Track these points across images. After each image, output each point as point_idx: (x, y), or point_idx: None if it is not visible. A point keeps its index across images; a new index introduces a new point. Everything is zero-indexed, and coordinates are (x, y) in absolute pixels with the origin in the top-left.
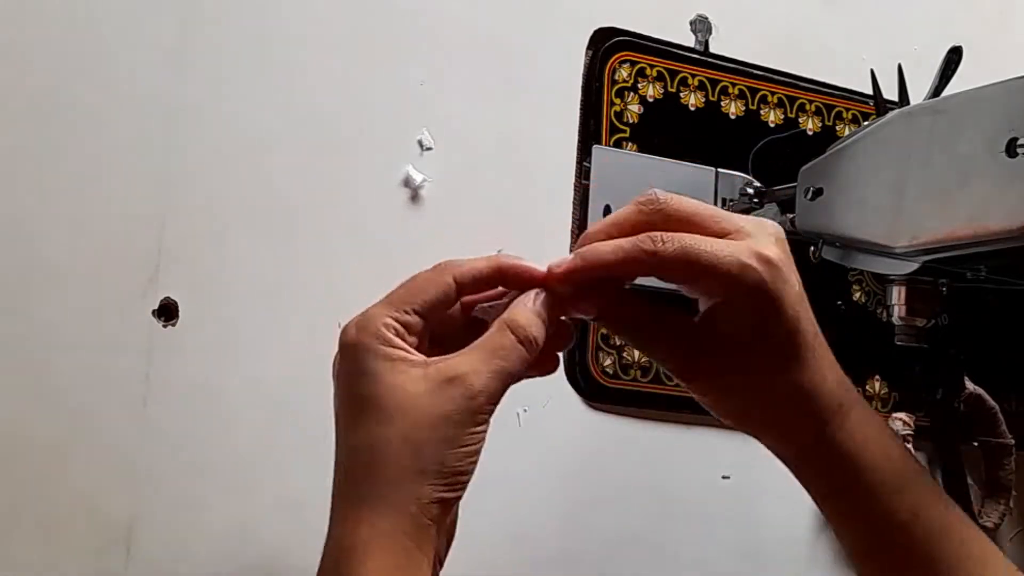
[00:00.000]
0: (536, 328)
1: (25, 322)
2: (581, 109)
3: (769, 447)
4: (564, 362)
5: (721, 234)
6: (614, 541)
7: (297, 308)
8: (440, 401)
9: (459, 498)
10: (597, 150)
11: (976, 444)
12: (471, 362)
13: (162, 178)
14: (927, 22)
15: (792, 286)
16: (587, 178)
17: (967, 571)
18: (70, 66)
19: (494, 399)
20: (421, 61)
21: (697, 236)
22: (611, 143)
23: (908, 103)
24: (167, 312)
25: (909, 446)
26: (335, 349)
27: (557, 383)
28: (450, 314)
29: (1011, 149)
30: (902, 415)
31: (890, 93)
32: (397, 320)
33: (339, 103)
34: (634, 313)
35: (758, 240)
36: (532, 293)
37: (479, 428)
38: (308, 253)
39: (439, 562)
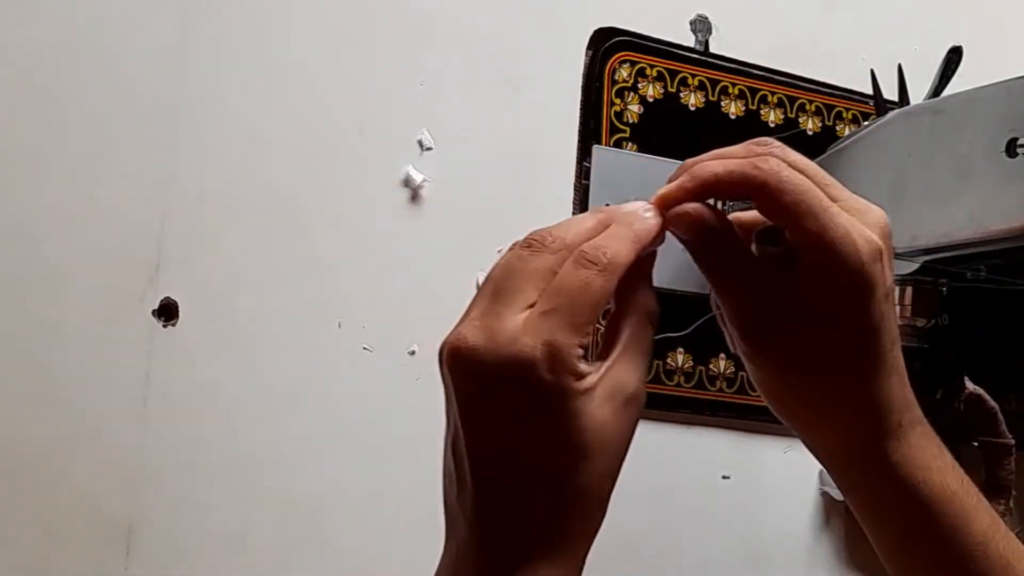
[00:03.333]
0: (656, 304)
1: (25, 322)
2: (581, 109)
3: (813, 451)
4: None
5: (830, 198)
6: (614, 541)
7: (297, 308)
8: (624, 422)
9: None
10: (597, 150)
11: (976, 444)
12: (633, 371)
13: (162, 178)
14: (927, 22)
15: (887, 281)
16: (587, 178)
17: None
18: (70, 66)
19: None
20: (421, 61)
21: (813, 184)
22: (611, 143)
23: (908, 103)
24: (167, 312)
25: None
26: (334, 348)
27: None
28: None
29: (1011, 149)
30: None
31: (890, 93)
32: (582, 345)
33: (339, 103)
34: (730, 243)
35: (867, 221)
36: (646, 264)
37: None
38: (308, 253)
39: None
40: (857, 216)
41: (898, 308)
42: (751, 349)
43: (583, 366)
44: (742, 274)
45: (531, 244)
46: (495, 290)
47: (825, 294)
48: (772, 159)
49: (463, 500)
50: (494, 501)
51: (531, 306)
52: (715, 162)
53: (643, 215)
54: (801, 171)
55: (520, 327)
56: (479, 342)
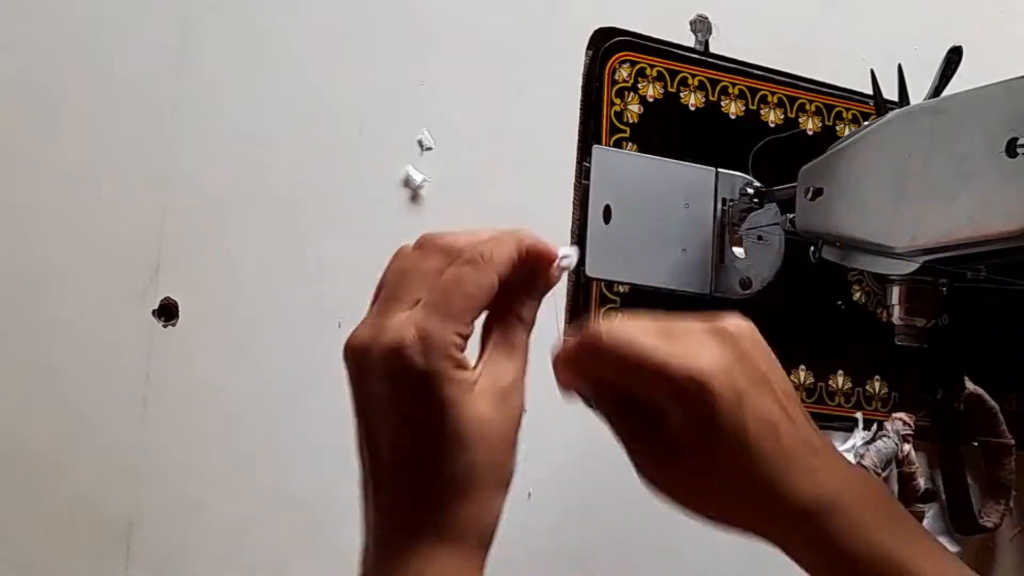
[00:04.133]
0: (535, 311)
1: (25, 322)
2: (581, 109)
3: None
4: None
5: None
6: (614, 541)
7: (297, 308)
8: (506, 418)
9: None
10: (597, 150)
11: (976, 444)
12: (507, 366)
13: (162, 178)
14: (927, 22)
15: (736, 391)
16: (587, 178)
17: None
18: (70, 66)
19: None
20: (421, 61)
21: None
22: (611, 143)
23: (908, 103)
24: (167, 312)
25: (909, 446)
26: (334, 348)
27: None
28: None
29: (1011, 149)
30: (902, 415)
31: (890, 93)
32: (460, 334)
33: (339, 103)
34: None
35: (705, 345)
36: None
37: (520, 424)
38: (308, 253)
39: None
40: (700, 339)
41: (898, 308)
42: (655, 481)
43: (461, 357)
44: (630, 419)
45: (422, 246)
46: (387, 291)
47: (697, 424)
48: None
49: (363, 489)
50: (383, 488)
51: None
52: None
53: (532, 234)
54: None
55: (402, 321)
56: (366, 338)
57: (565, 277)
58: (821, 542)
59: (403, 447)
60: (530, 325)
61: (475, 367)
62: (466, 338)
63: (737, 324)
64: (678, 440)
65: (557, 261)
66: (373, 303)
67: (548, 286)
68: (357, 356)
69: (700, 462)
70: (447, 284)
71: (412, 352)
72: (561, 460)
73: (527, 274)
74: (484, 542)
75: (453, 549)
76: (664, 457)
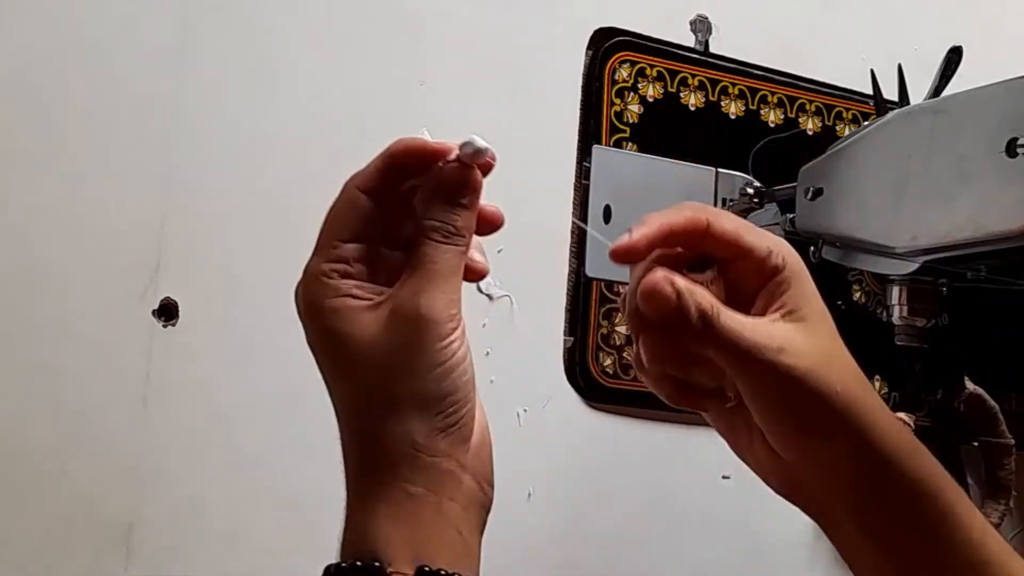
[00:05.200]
0: (461, 219)
1: (25, 322)
2: (581, 109)
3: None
4: (564, 362)
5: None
6: (614, 541)
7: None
8: (394, 335)
9: (459, 424)
10: (597, 150)
11: (976, 444)
12: (411, 287)
13: (162, 178)
14: (927, 22)
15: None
16: (587, 178)
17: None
18: (70, 66)
19: (447, 309)
20: (421, 61)
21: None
22: (611, 143)
23: (908, 103)
24: (167, 312)
25: None
26: None
27: (557, 383)
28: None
29: (1011, 149)
30: (902, 415)
31: (890, 93)
32: (331, 260)
33: (339, 103)
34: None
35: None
36: (440, 174)
37: (444, 343)
38: (308, 253)
39: (478, 510)
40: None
41: (898, 308)
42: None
43: (339, 284)
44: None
45: None
46: None
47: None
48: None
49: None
50: (340, 420)
51: None
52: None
53: (411, 139)
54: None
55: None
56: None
57: (565, 277)
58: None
59: (326, 380)
60: (449, 234)
61: (384, 294)
62: (344, 260)
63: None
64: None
65: (455, 152)
66: None
67: (450, 184)
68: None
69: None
70: (323, 220)
71: (296, 294)
72: (561, 460)
73: (431, 185)
74: (411, 465)
75: (372, 472)
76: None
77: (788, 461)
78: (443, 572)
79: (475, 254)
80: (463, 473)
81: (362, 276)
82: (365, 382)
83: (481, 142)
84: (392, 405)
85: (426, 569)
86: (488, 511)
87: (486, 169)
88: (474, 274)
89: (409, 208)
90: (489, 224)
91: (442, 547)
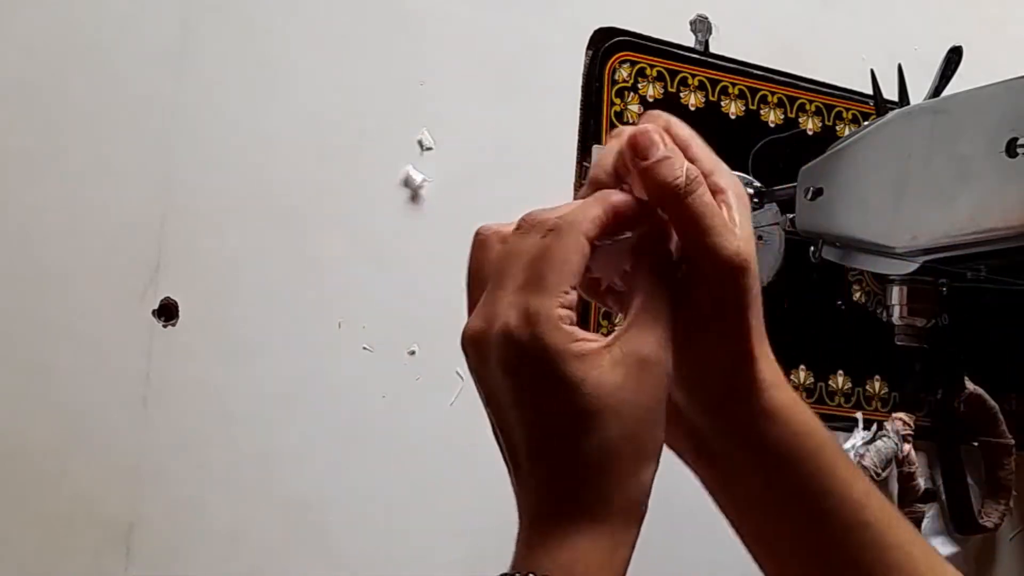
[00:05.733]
0: (672, 266)
1: (25, 322)
2: (581, 109)
3: (688, 410)
4: None
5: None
6: None
7: (297, 308)
8: (642, 387)
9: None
10: (597, 150)
11: (976, 444)
12: (647, 335)
13: (162, 178)
14: (927, 22)
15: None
16: (587, 178)
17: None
18: (70, 66)
19: (665, 354)
20: (421, 61)
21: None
22: None
23: (908, 103)
24: (167, 312)
25: (908, 446)
26: (334, 348)
27: None
28: None
29: (1011, 149)
30: (902, 415)
31: (890, 93)
32: (567, 305)
33: (339, 103)
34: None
35: (742, 224)
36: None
37: (666, 387)
38: (308, 253)
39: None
40: (717, 175)
41: (898, 308)
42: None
43: (573, 330)
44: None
45: (520, 227)
46: (495, 279)
47: (706, 282)
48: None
49: (512, 478)
50: (522, 473)
51: None
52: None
53: (620, 193)
54: (681, 145)
55: (505, 305)
56: (479, 328)
57: None
58: (775, 437)
59: (533, 430)
60: (669, 283)
61: (611, 337)
62: (571, 307)
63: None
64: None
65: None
66: (469, 296)
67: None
68: (474, 346)
69: (703, 300)
70: (536, 258)
71: (520, 334)
72: None
73: (654, 232)
74: (632, 517)
75: (596, 527)
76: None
77: (681, 376)
78: None
79: None
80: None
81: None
82: (614, 430)
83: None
84: (639, 455)
85: None
86: None
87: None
88: None
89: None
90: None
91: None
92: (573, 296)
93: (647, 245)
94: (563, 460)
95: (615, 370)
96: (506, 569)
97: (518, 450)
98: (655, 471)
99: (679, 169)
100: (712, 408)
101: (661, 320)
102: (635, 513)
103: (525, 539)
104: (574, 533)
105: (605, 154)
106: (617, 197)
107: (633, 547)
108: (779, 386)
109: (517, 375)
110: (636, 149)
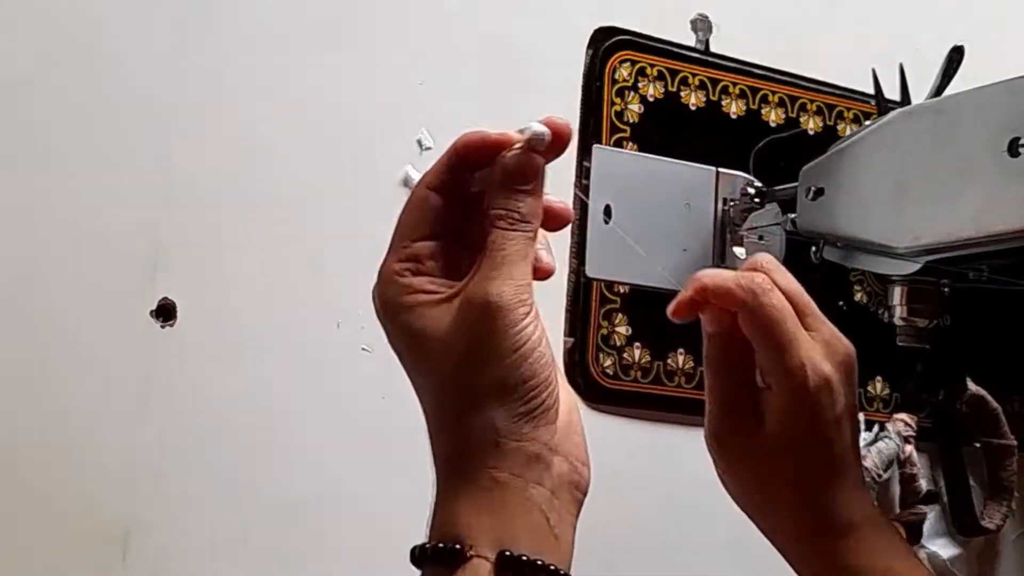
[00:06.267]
0: (525, 205)
1: (24, 322)
2: (581, 109)
3: (777, 547)
4: (564, 362)
5: (806, 327)
6: (614, 541)
7: (296, 308)
8: (468, 325)
9: (542, 408)
10: (597, 150)
11: (978, 445)
12: (480, 276)
13: (161, 178)
14: (928, 22)
15: (837, 408)
16: (587, 178)
17: None
18: (69, 66)
19: (517, 294)
20: (421, 61)
21: (790, 312)
22: (611, 143)
23: (910, 103)
24: (166, 312)
25: (910, 447)
26: (334, 348)
27: None
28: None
29: (1013, 149)
30: (903, 416)
31: (891, 93)
32: (404, 259)
33: (339, 103)
34: (737, 343)
35: (830, 351)
36: (505, 163)
37: (518, 328)
38: (307, 253)
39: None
40: (822, 346)
41: (899, 308)
42: (717, 438)
43: (409, 282)
44: (734, 373)
45: None
46: None
47: (781, 413)
48: (759, 277)
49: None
50: (426, 413)
51: None
52: (713, 273)
53: (474, 133)
54: (785, 293)
55: None
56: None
57: (565, 277)
58: (842, 551)
59: (410, 378)
60: (514, 221)
61: (457, 285)
62: (412, 258)
63: (851, 350)
64: (768, 417)
65: (523, 139)
66: None
67: (512, 171)
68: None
69: (776, 442)
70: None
71: (373, 295)
72: None
73: (494, 174)
74: (490, 453)
75: (455, 473)
76: (744, 421)
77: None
78: (524, 558)
79: (542, 253)
80: (552, 455)
81: (435, 272)
82: (445, 374)
83: (538, 127)
84: (472, 394)
85: (507, 554)
86: (584, 492)
87: (552, 151)
88: (542, 273)
89: (480, 205)
90: (557, 219)
91: (526, 532)
92: (415, 247)
93: (492, 193)
94: (420, 400)
95: (443, 317)
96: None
97: (415, 383)
98: (524, 413)
99: (752, 283)
100: (793, 547)
101: (504, 260)
102: (495, 450)
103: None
104: (449, 479)
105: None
106: (462, 139)
107: (519, 481)
108: (870, 528)
109: (384, 331)
110: (705, 295)
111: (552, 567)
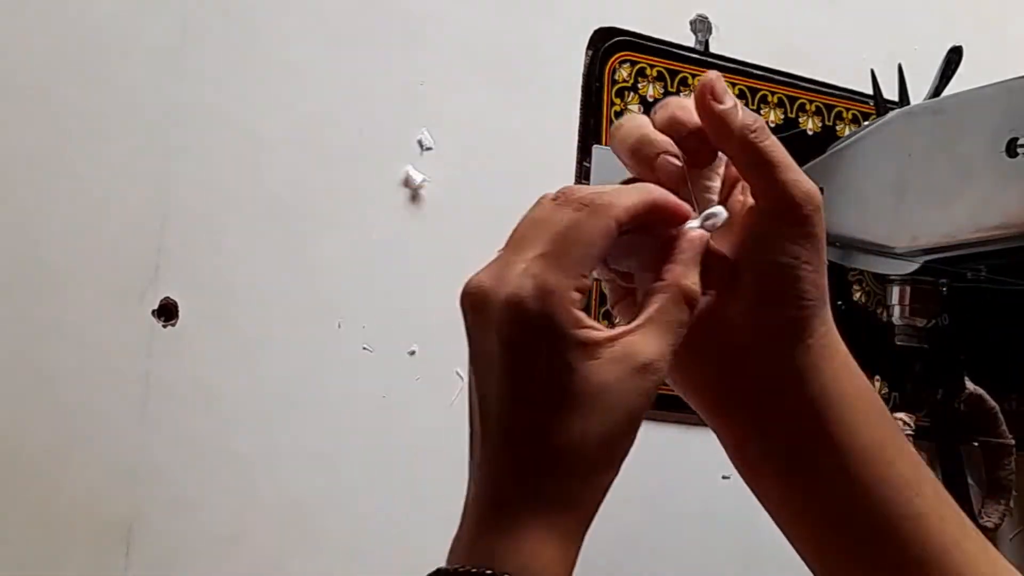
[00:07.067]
0: (698, 286)
1: (25, 322)
2: (581, 109)
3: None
4: None
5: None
6: (614, 541)
7: (297, 308)
8: (633, 390)
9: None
10: (597, 150)
11: (976, 444)
12: (652, 343)
13: (161, 178)
14: (927, 22)
15: (824, 235)
16: (587, 178)
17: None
18: (70, 66)
19: (663, 372)
20: (421, 61)
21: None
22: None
23: (908, 103)
24: (167, 312)
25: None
26: (334, 348)
27: None
28: None
29: (1011, 149)
30: (902, 415)
31: (890, 93)
32: (579, 289)
33: (339, 103)
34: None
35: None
36: (695, 242)
37: (648, 402)
38: (308, 253)
39: None
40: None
41: (898, 308)
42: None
43: (581, 315)
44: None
45: (557, 197)
46: (515, 240)
47: (772, 230)
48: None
49: (472, 446)
50: (488, 446)
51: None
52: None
53: (664, 191)
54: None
55: (520, 271)
56: (486, 286)
57: None
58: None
59: (515, 404)
60: (693, 299)
61: (614, 332)
62: (584, 291)
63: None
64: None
65: (699, 221)
66: (500, 251)
67: (689, 251)
68: (475, 304)
69: (771, 264)
70: (563, 232)
71: (531, 306)
72: None
73: (678, 249)
74: (586, 519)
75: (554, 524)
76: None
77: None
78: None
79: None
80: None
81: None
82: (595, 429)
83: (722, 213)
84: (610, 456)
85: None
86: None
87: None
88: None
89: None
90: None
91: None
92: (588, 281)
93: (675, 248)
94: (534, 445)
95: (610, 367)
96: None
97: (489, 421)
98: (614, 478)
99: (751, 115)
100: (775, 352)
101: (672, 330)
102: (589, 515)
103: (476, 523)
104: (533, 527)
105: (639, 124)
106: (658, 192)
107: (579, 551)
108: (839, 343)
109: (515, 345)
110: (713, 94)
111: None
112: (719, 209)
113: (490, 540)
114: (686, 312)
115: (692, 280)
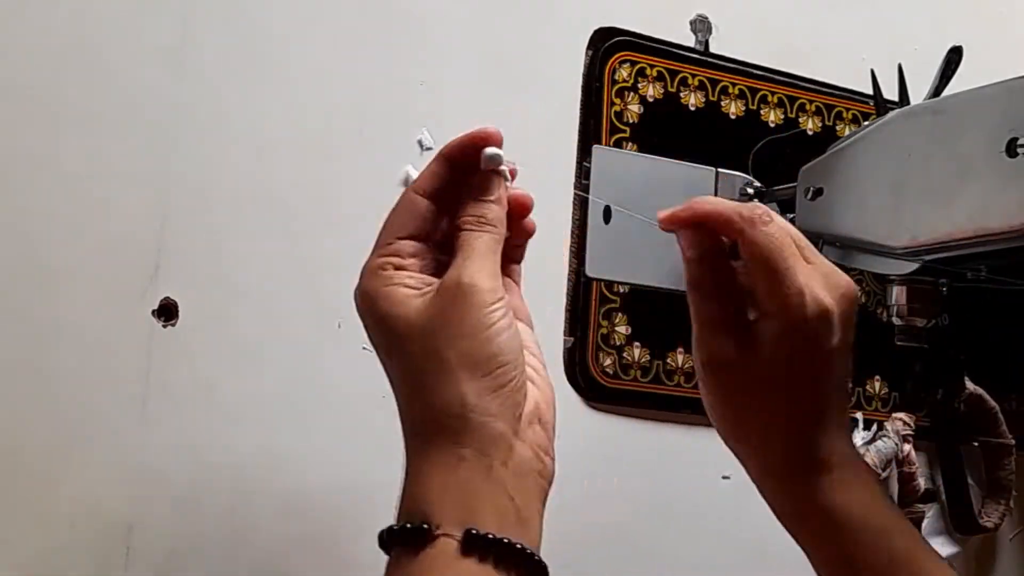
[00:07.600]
0: (490, 211)
1: (25, 322)
2: (581, 109)
3: (751, 476)
4: (564, 362)
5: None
6: (614, 541)
7: (297, 308)
8: (443, 308)
9: (509, 387)
10: (597, 150)
11: (976, 444)
12: (453, 268)
13: (161, 178)
14: (927, 22)
15: (833, 340)
16: (587, 178)
17: None
18: (70, 66)
19: (489, 280)
20: (421, 61)
21: (789, 242)
22: (611, 143)
23: (908, 103)
24: (167, 312)
25: (909, 446)
26: (334, 348)
27: (557, 383)
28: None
29: (1011, 149)
30: (902, 415)
31: (890, 93)
32: (386, 255)
33: (339, 103)
34: (722, 266)
35: (829, 283)
36: (477, 181)
37: (489, 308)
38: (308, 253)
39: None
40: (822, 278)
41: (898, 308)
42: (705, 370)
43: (391, 274)
44: (721, 297)
45: None
46: None
47: (775, 341)
48: (759, 208)
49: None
50: (401, 415)
51: None
52: (713, 199)
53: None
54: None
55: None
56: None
57: (565, 278)
58: (820, 489)
59: (389, 371)
60: (481, 223)
61: (436, 280)
62: (396, 254)
63: (852, 284)
64: (760, 345)
65: (482, 160)
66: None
67: (477, 185)
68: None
69: (767, 373)
70: (385, 220)
71: (356, 289)
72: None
73: (466, 194)
74: (460, 426)
75: (430, 446)
76: (734, 346)
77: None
78: (490, 536)
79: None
80: (515, 439)
81: (415, 269)
82: (417, 351)
83: (491, 150)
84: (443, 367)
85: (473, 532)
86: (549, 482)
87: (513, 175)
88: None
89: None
90: (521, 207)
91: (492, 513)
92: (398, 244)
93: (462, 207)
94: (393, 385)
95: (422, 300)
96: None
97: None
98: (492, 387)
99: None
100: (773, 483)
101: (471, 257)
102: (462, 423)
103: (405, 476)
104: (417, 458)
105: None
106: (450, 148)
107: (484, 460)
108: (846, 468)
109: (366, 325)
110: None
111: (519, 545)
112: (493, 150)
113: (407, 489)
114: (481, 235)
115: (472, 210)
